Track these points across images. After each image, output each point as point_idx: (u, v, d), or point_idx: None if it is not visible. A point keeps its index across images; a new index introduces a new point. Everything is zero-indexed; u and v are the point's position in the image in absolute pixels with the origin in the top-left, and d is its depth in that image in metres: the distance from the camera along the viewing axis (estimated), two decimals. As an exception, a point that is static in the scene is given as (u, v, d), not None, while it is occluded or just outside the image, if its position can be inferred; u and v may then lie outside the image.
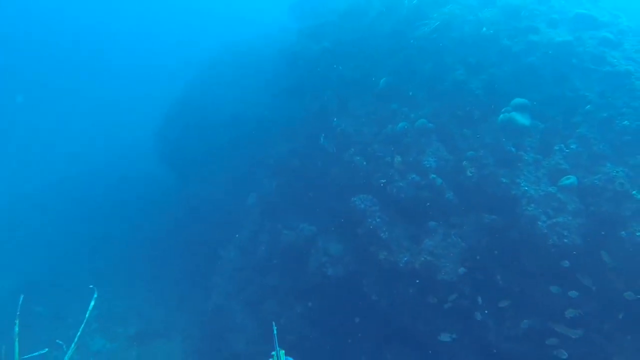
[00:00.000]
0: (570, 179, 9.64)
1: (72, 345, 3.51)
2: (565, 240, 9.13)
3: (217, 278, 15.24)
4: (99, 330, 16.06)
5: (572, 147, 10.14)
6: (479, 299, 10.07)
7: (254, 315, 13.41)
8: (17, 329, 3.37)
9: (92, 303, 3.71)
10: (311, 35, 16.93)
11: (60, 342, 3.74)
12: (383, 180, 11.42)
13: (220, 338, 14.04)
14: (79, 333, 3.53)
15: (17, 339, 3.35)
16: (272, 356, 3.83)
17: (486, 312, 10.09)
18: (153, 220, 22.51)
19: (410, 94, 12.76)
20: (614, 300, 8.74)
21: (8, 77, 45.97)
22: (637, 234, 8.69)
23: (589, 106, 10.40)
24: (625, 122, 9.92)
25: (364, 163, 12.17)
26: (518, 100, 10.89)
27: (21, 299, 3.45)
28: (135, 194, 25.92)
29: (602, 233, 9.12)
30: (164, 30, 49.33)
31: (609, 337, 8.95)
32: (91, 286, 3.92)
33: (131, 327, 16.48)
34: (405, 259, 10.47)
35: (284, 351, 3.93)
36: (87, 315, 3.61)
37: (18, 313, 3.35)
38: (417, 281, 10.35)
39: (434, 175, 10.93)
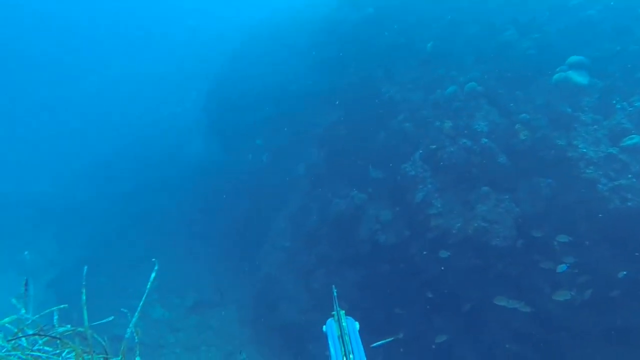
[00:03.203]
0: (634, 139, 9.20)
1: (136, 313, 3.59)
2: (629, 204, 8.77)
3: (268, 248, 15.45)
4: (159, 301, 16.63)
5: (636, 104, 9.63)
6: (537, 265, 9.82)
7: (305, 285, 13.56)
8: (84, 297, 3.48)
9: (153, 275, 3.77)
10: (353, 1, 16.58)
11: (125, 310, 3.84)
12: (433, 146, 11.20)
13: (273, 307, 14.31)
14: (142, 302, 3.61)
15: (85, 307, 3.46)
16: (333, 315, 3.77)
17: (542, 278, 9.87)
18: (204, 193, 22.89)
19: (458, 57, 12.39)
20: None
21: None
22: None
23: (655, 60, 9.84)
24: (696, 76, 9.35)
25: (414, 129, 11.95)
26: (574, 58, 10.41)
27: (85, 269, 3.56)
28: (185, 168, 26.33)
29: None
30: (204, 5, 49.21)
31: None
32: (153, 259, 3.98)
33: (188, 298, 16.98)
34: (458, 225, 10.31)
35: (344, 311, 3.86)
36: (149, 286, 3.68)
37: (84, 283, 3.47)
38: (471, 247, 10.19)
39: (485, 140, 10.64)
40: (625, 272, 8.77)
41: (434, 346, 10.52)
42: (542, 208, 10.13)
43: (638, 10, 10.37)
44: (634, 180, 8.92)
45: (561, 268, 9.33)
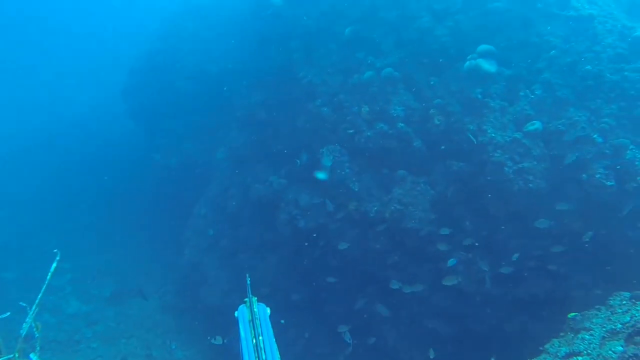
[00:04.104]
0: (535, 125, 9.81)
1: (34, 307, 3.44)
2: (530, 185, 9.37)
3: (189, 234, 15.20)
4: (73, 293, 15.97)
5: (537, 92, 10.27)
6: (447, 246, 10.30)
7: (227, 269, 13.50)
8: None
9: (54, 265, 3.62)
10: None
11: (24, 304, 3.66)
12: (351, 131, 11.38)
13: (195, 293, 14.15)
14: (40, 295, 3.46)
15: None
16: (245, 302, 3.95)
17: (456, 258, 10.38)
18: (123, 178, 22.13)
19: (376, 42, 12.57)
20: (573, 241, 9.10)
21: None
22: (597, 176, 8.99)
23: (553, 51, 10.48)
24: (588, 67, 10.08)
25: (331, 113, 12.07)
26: (484, 47, 10.85)
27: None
28: (104, 153, 25.33)
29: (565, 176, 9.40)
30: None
31: (568, 275, 9.39)
32: (55, 250, 3.85)
33: (106, 288, 16.39)
34: (375, 208, 10.60)
35: (256, 298, 4.06)
36: (48, 277, 3.53)
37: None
38: (387, 230, 10.53)
39: (401, 124, 10.95)
40: (517, 254, 9.45)
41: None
42: (456, 190, 10.60)
43: (537, 4, 10.97)
44: (535, 163, 9.54)
45: (451, 262, 9.88)
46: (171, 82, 18.70)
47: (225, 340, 10.41)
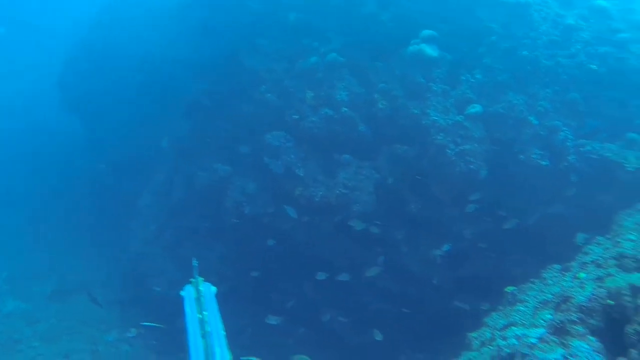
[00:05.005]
0: (475, 108, 10.04)
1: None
2: (472, 167, 9.58)
3: (134, 226, 14.79)
4: (10, 292, 15.25)
5: (477, 77, 10.50)
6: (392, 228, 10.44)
7: (173, 259, 13.22)
8: None
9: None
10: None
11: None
12: (296, 116, 11.31)
13: (141, 285, 13.78)
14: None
15: None
16: (191, 282, 4.05)
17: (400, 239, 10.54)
18: (62, 171, 21.26)
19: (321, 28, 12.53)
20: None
21: None
22: (533, 156, 9.32)
23: (493, 37, 10.73)
24: (525, 52, 10.38)
25: (276, 100, 11.95)
26: (427, 32, 11.00)
27: None
28: (41, 146, 24.23)
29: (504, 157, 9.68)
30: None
31: (506, 253, 9.71)
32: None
33: (48, 284, 15.72)
34: (321, 193, 10.59)
35: (202, 278, 4.15)
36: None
37: None
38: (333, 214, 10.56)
39: (345, 109, 10.96)
40: (448, 246, 9.76)
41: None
42: (400, 173, 10.73)
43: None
44: (476, 145, 9.76)
45: (381, 259, 10.23)
46: (112, 71, 18.09)
47: (140, 331, 10.60)
